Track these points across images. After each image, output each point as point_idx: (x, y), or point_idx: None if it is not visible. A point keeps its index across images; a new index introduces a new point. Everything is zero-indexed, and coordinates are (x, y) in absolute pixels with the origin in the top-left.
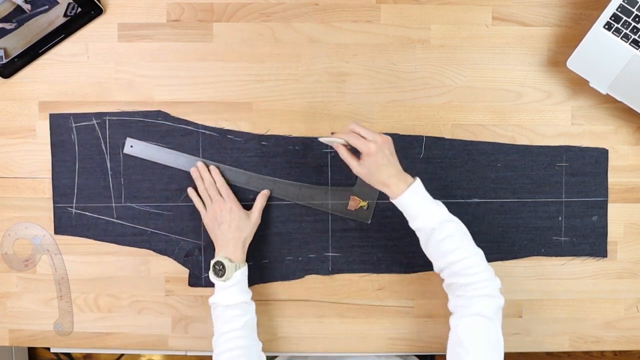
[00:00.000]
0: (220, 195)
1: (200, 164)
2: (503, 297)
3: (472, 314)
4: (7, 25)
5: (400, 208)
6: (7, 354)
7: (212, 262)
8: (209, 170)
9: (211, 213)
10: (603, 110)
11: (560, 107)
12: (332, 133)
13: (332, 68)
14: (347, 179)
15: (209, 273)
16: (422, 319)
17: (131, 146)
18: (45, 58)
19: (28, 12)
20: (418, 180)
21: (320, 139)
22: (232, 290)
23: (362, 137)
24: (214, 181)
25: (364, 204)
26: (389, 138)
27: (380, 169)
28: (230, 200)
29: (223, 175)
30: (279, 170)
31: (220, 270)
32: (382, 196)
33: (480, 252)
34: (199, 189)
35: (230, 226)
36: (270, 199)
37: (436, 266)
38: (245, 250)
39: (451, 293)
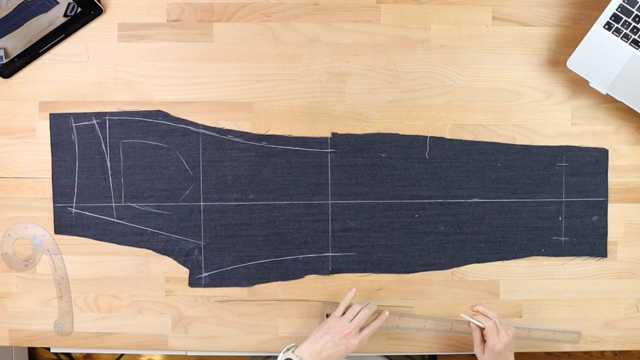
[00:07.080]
0: (359, 329)
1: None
2: None
3: None
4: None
5: None
6: (7, 354)
7: (286, 354)
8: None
9: (339, 324)
10: (603, 110)
11: (560, 107)
12: (474, 306)
13: (332, 68)
14: (346, 179)
15: (281, 354)
16: None
17: None
18: (45, 58)
19: None
20: None
21: (462, 315)
22: None
23: (497, 328)
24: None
25: None
26: (512, 334)
27: None
28: (359, 339)
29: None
30: (279, 170)
31: None
32: (382, 196)
33: None
34: (353, 308)
35: (333, 347)
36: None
37: None
38: None
39: None
